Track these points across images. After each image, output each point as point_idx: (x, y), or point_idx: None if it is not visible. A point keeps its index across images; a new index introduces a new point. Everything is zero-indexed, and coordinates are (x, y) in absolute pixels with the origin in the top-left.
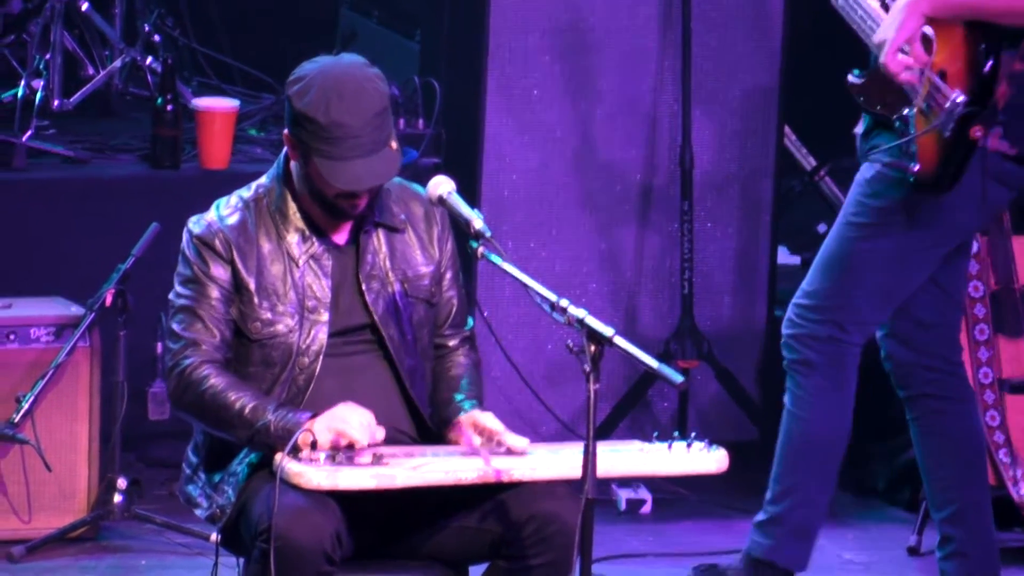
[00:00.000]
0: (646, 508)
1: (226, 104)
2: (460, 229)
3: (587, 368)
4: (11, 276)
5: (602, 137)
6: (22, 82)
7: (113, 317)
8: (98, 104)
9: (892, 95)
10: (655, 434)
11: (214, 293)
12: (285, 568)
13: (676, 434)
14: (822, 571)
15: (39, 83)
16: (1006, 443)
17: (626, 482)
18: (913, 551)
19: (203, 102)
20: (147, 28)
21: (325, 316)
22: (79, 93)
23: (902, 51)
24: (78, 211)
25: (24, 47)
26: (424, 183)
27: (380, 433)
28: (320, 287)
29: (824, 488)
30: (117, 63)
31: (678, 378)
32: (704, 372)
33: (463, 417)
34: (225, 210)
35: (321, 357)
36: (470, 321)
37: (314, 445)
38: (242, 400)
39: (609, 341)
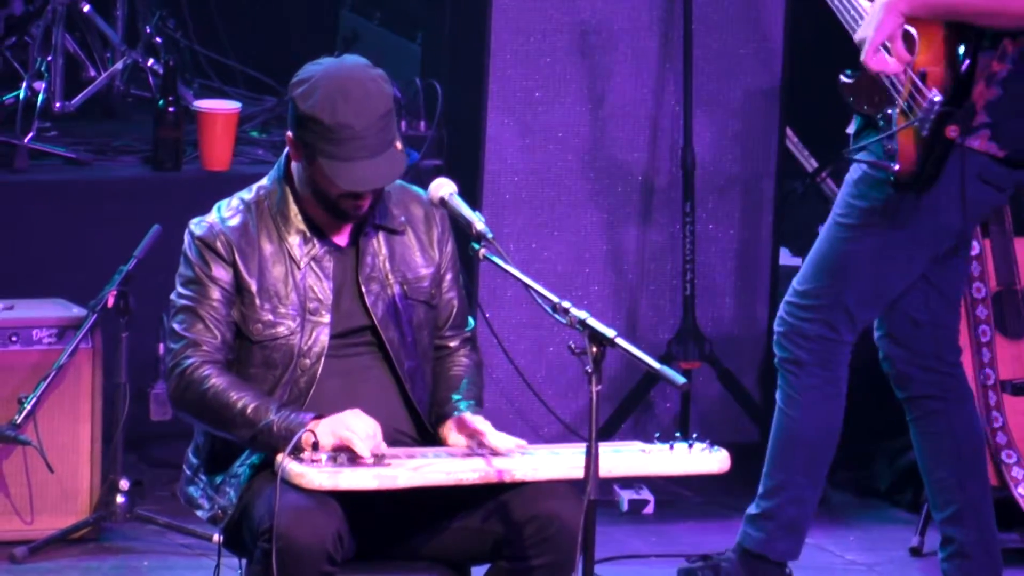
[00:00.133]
0: (648, 509)
1: (227, 106)
2: (462, 231)
3: (589, 369)
4: (13, 278)
5: (604, 139)
6: (24, 84)
7: (115, 318)
8: (100, 106)
9: (879, 95)
10: (657, 435)
11: (215, 294)
12: (287, 568)
13: (678, 435)
14: (824, 572)
15: (41, 85)
16: (1009, 444)
17: (628, 483)
18: (916, 552)
19: (205, 104)
20: (149, 30)
21: (326, 318)
22: (81, 95)
23: (885, 49)
24: (80, 213)
25: (26, 49)
26: (425, 185)
27: (382, 447)
28: (322, 289)
29: (815, 484)
30: (119, 65)
31: (680, 379)
32: (706, 373)
33: (454, 417)
34: (226, 212)
35: (322, 359)
36: (471, 322)
37: (316, 446)
38: (244, 400)
39: (611, 342)
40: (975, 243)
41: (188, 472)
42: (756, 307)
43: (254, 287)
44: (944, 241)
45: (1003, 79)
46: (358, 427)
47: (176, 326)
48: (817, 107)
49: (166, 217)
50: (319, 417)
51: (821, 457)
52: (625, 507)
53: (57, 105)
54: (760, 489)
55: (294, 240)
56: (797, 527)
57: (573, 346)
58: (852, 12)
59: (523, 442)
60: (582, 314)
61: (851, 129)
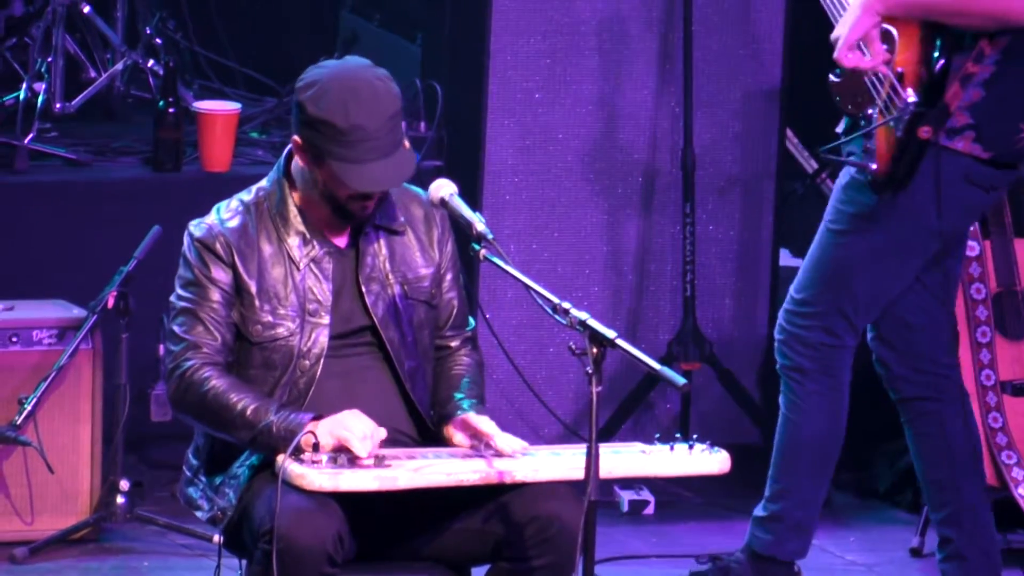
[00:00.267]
0: (648, 509)
1: (227, 107)
2: (462, 232)
3: (589, 370)
4: (13, 279)
5: (604, 140)
6: (24, 85)
7: (115, 319)
8: (100, 107)
9: (862, 95)
10: (657, 436)
11: (215, 296)
12: (287, 569)
13: (678, 436)
14: (825, 572)
15: (41, 86)
16: (1009, 445)
17: (628, 484)
18: (916, 553)
19: (204, 105)
20: (149, 31)
21: (326, 319)
22: (81, 96)
23: (863, 48)
24: (80, 214)
25: (26, 50)
26: (425, 186)
27: (381, 433)
28: (321, 290)
29: (820, 486)
30: (119, 66)
31: (680, 380)
32: (706, 374)
33: (458, 418)
34: (226, 213)
35: (322, 360)
36: (471, 322)
37: (316, 447)
38: (244, 401)
39: (611, 343)
40: (975, 244)
41: (188, 473)
42: (756, 308)
43: (253, 288)
44: (933, 243)
45: (985, 81)
46: (356, 427)
47: (176, 328)
48: (817, 108)
49: (166, 218)
50: (318, 418)
51: (827, 460)
52: (625, 508)
53: (57, 106)
54: (766, 492)
55: (293, 241)
56: (804, 527)
57: (573, 347)
58: (841, 10)
59: (526, 444)
60: (582, 315)
61: (840, 128)
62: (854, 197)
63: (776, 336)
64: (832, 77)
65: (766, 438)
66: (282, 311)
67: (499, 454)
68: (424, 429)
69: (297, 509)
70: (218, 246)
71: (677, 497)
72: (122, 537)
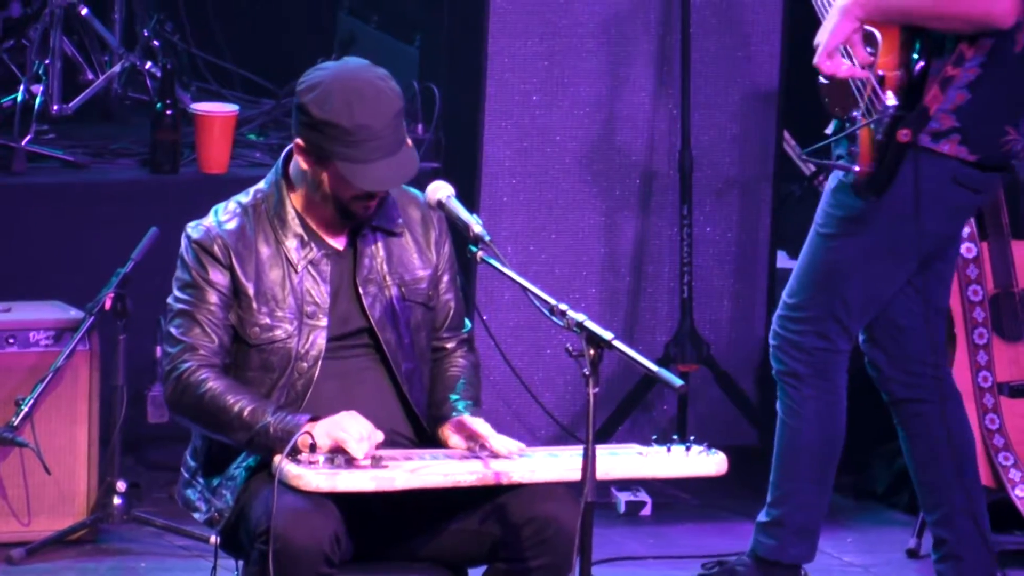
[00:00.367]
0: (645, 511)
1: (225, 109)
2: (459, 233)
3: (586, 372)
4: (10, 280)
5: (601, 142)
6: (21, 87)
7: (112, 321)
8: (97, 109)
9: (848, 98)
10: (654, 437)
11: (212, 298)
12: (284, 570)
13: (675, 437)
14: (822, 574)
15: (39, 88)
16: (1006, 446)
17: (625, 485)
18: (912, 554)
19: (202, 107)
20: (146, 33)
21: (324, 321)
22: (78, 98)
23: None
24: (77, 215)
25: (23, 52)
26: (423, 188)
27: (378, 435)
28: (319, 292)
29: (822, 490)
30: (116, 68)
31: (677, 382)
32: (703, 376)
33: (453, 419)
34: (224, 215)
35: (320, 362)
36: (468, 323)
37: (313, 448)
38: (241, 403)
39: (608, 345)
40: (972, 246)
41: (186, 475)
42: (754, 310)
43: (251, 291)
44: (922, 245)
45: (970, 83)
46: (353, 429)
47: (173, 330)
48: (814, 110)
49: (163, 220)
50: (315, 419)
51: (827, 463)
52: (622, 509)
53: (55, 108)
54: (768, 497)
55: (291, 243)
56: (808, 531)
57: (571, 348)
58: (828, 11)
59: (523, 446)
60: (580, 316)
61: (829, 130)
62: (843, 200)
63: (771, 342)
64: (821, 80)
65: (763, 440)
66: (280, 313)
67: (495, 455)
68: (421, 431)
69: (294, 509)
70: (216, 248)
71: (674, 499)
72: (119, 538)
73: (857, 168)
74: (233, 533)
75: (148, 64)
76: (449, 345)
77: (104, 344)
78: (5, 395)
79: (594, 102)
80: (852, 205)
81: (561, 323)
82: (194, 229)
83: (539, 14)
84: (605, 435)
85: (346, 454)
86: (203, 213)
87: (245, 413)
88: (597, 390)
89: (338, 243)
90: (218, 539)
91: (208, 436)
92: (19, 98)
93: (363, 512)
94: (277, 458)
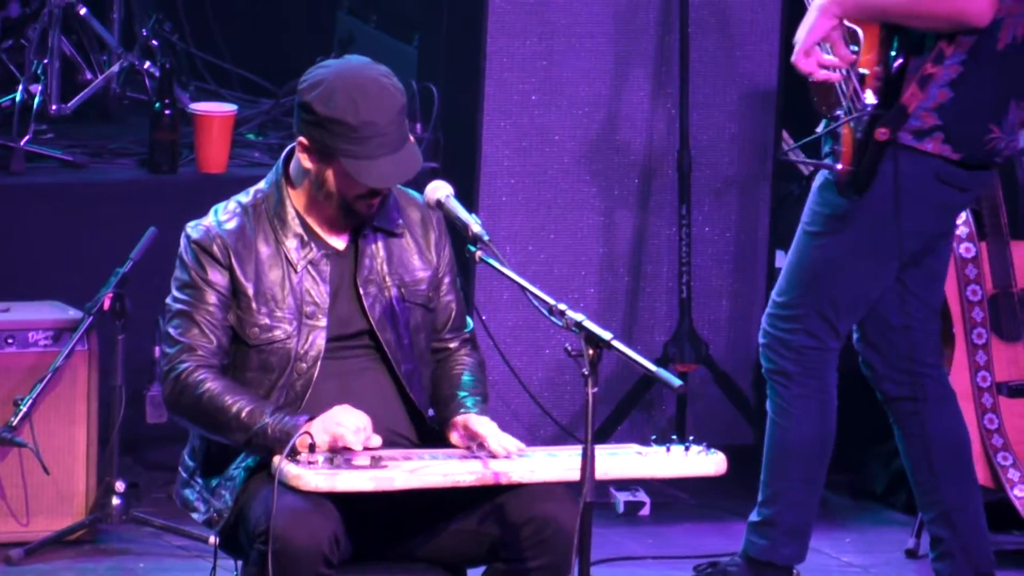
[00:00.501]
0: (644, 511)
1: (223, 108)
2: (458, 233)
3: (585, 371)
4: (9, 280)
5: (600, 141)
6: (20, 86)
7: (111, 321)
8: (96, 109)
9: (833, 96)
10: (653, 437)
11: (211, 299)
12: (283, 570)
13: (674, 437)
14: (820, 574)
15: (37, 88)
16: (1004, 446)
17: (624, 485)
18: (911, 554)
19: (201, 106)
20: (145, 33)
21: (323, 321)
22: (77, 98)
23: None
24: (76, 215)
25: (22, 52)
26: (422, 187)
27: (376, 440)
28: (318, 292)
29: (813, 489)
30: (115, 68)
31: (676, 382)
32: (702, 376)
33: (458, 419)
34: (223, 215)
35: (319, 362)
36: (470, 323)
37: (312, 448)
38: (239, 403)
39: (607, 345)
40: (971, 246)
41: (184, 475)
42: (753, 310)
43: (251, 291)
44: (908, 243)
45: (952, 81)
46: (348, 421)
47: (171, 330)
48: (813, 110)
49: (162, 219)
50: (313, 419)
51: (817, 463)
52: (621, 509)
53: (53, 108)
54: (759, 497)
55: (291, 244)
56: (800, 531)
57: (570, 348)
58: None
59: (522, 445)
60: (578, 316)
61: (820, 129)
62: (828, 199)
63: (760, 340)
64: (810, 78)
65: (762, 439)
66: (279, 313)
67: (495, 456)
68: (422, 431)
69: (293, 510)
70: (215, 248)
71: (673, 498)
72: (118, 538)
73: (839, 166)
74: (232, 533)
75: (147, 64)
76: (452, 345)
77: (103, 344)
78: (4, 395)
79: (593, 102)
80: (837, 203)
81: (560, 323)
82: (194, 229)
83: (538, 14)
84: (604, 435)
85: (345, 454)
86: (202, 213)
87: (243, 414)
88: (596, 390)
89: (338, 243)
90: (217, 539)
91: (206, 436)
92: (18, 98)
93: (362, 512)
94: (276, 458)
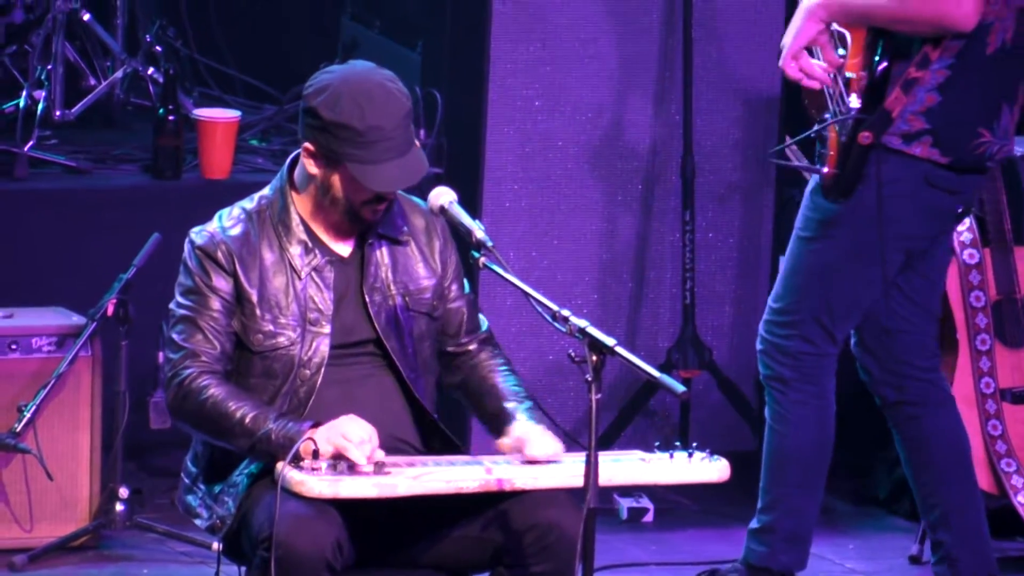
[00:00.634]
0: (648, 517)
1: (227, 114)
2: (461, 239)
3: (589, 378)
4: (13, 286)
5: (603, 147)
6: (24, 92)
7: (115, 327)
8: (100, 114)
9: (823, 100)
10: (657, 444)
11: (215, 305)
12: None
13: (678, 444)
14: None
15: (41, 93)
16: (1008, 453)
17: (628, 491)
18: (915, 560)
19: (204, 112)
20: (149, 39)
21: (327, 328)
22: (81, 103)
23: (812, 55)
24: (79, 221)
25: (26, 57)
26: (425, 194)
27: (380, 455)
28: (322, 299)
29: (811, 496)
30: (119, 74)
31: (679, 388)
32: (705, 382)
33: (514, 424)
34: (228, 221)
35: (322, 369)
36: (484, 323)
37: (316, 454)
38: (243, 409)
39: (611, 351)
40: (975, 252)
41: (187, 481)
42: (756, 316)
43: (255, 297)
44: (900, 247)
45: (940, 85)
46: (353, 433)
47: (175, 336)
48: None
49: (166, 225)
50: (317, 425)
51: (816, 469)
52: (624, 515)
53: (57, 114)
54: (759, 504)
55: (295, 250)
56: (799, 538)
57: (573, 355)
58: None
59: (560, 447)
60: (582, 323)
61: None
62: (819, 204)
63: (757, 346)
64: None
65: None
66: (283, 320)
67: (534, 461)
68: (425, 437)
69: (296, 516)
70: (219, 254)
71: (676, 505)
72: (121, 544)
73: (825, 169)
74: (235, 539)
75: (150, 70)
76: (471, 347)
77: (106, 350)
78: (7, 401)
79: (596, 107)
80: (827, 208)
81: (563, 329)
82: (198, 235)
83: (541, 19)
84: (607, 441)
85: (349, 460)
86: (205, 219)
87: (247, 420)
88: (599, 396)
89: (343, 250)
90: (221, 545)
91: (210, 443)
92: (21, 104)
93: (365, 519)
94: (280, 464)
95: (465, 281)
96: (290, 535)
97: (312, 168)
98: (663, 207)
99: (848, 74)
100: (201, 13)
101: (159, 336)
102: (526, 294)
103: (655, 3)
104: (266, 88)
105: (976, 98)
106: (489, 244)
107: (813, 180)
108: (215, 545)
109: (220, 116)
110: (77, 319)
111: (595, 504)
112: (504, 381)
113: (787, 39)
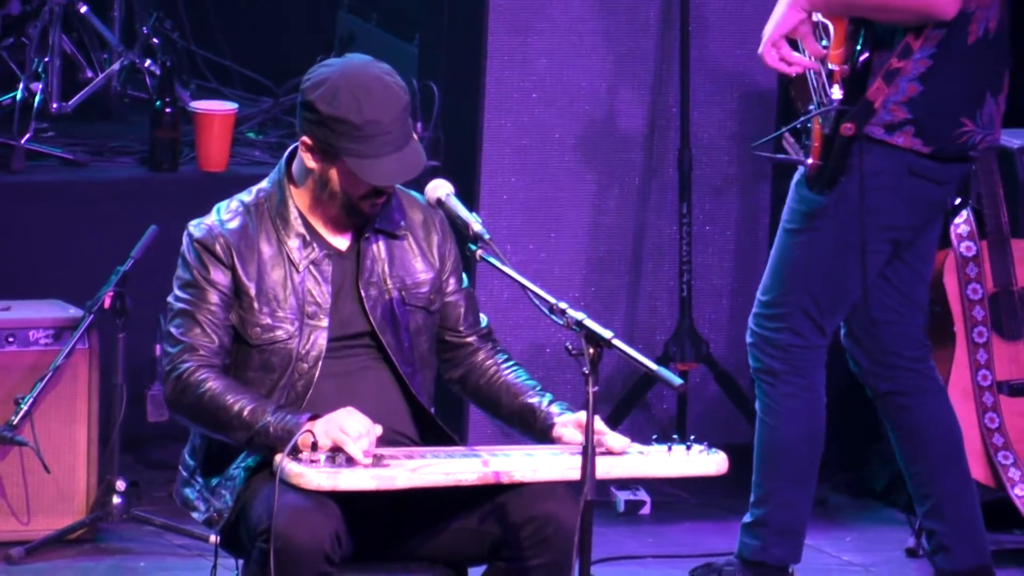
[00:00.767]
0: (645, 510)
1: (224, 107)
2: (459, 232)
3: (586, 370)
4: (10, 279)
5: (600, 140)
6: (21, 85)
7: (112, 319)
8: (97, 107)
9: (808, 91)
10: (654, 436)
11: (213, 298)
12: (285, 569)
13: (675, 437)
14: (821, 573)
15: (38, 86)
16: (1005, 445)
17: (625, 484)
18: (912, 552)
19: (201, 105)
20: (145, 31)
21: (325, 322)
22: (78, 96)
23: (796, 50)
24: (77, 214)
25: (23, 50)
26: (422, 186)
27: (377, 429)
28: (320, 293)
29: (803, 489)
30: (116, 66)
31: (677, 380)
32: (703, 374)
33: (565, 418)
34: (226, 214)
35: (320, 362)
36: (484, 319)
37: (314, 446)
38: (241, 402)
39: (608, 343)
40: (972, 244)
41: (184, 474)
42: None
43: (253, 290)
44: (886, 238)
45: (922, 75)
46: (351, 427)
47: (173, 330)
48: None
49: (163, 218)
50: (315, 417)
51: (807, 462)
52: (622, 508)
53: (54, 106)
54: (752, 497)
55: (293, 243)
56: (792, 531)
57: (570, 347)
58: None
59: (628, 441)
60: (579, 315)
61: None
62: (804, 195)
63: (747, 340)
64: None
65: None
66: (281, 313)
67: (611, 452)
68: (424, 430)
69: (295, 508)
70: (218, 248)
71: (673, 498)
72: (118, 537)
73: (809, 161)
74: (233, 532)
75: (147, 62)
76: (471, 340)
77: (103, 343)
78: (4, 394)
79: (593, 100)
80: (812, 200)
81: (560, 322)
82: (196, 227)
83: (538, 12)
84: None
85: (347, 452)
86: (203, 211)
87: (245, 413)
88: (596, 389)
89: (340, 244)
90: (218, 538)
91: (208, 436)
92: (18, 96)
93: (364, 511)
94: (278, 456)
95: (464, 275)
96: (289, 527)
97: (310, 162)
98: (660, 200)
99: (831, 65)
100: (198, 5)
101: (156, 329)
102: (523, 287)
103: None
104: (263, 80)
105: (958, 87)
106: (486, 237)
107: (799, 172)
108: (212, 538)
109: (217, 108)
110: (74, 312)
111: (592, 497)
112: (515, 376)
113: (768, 27)
